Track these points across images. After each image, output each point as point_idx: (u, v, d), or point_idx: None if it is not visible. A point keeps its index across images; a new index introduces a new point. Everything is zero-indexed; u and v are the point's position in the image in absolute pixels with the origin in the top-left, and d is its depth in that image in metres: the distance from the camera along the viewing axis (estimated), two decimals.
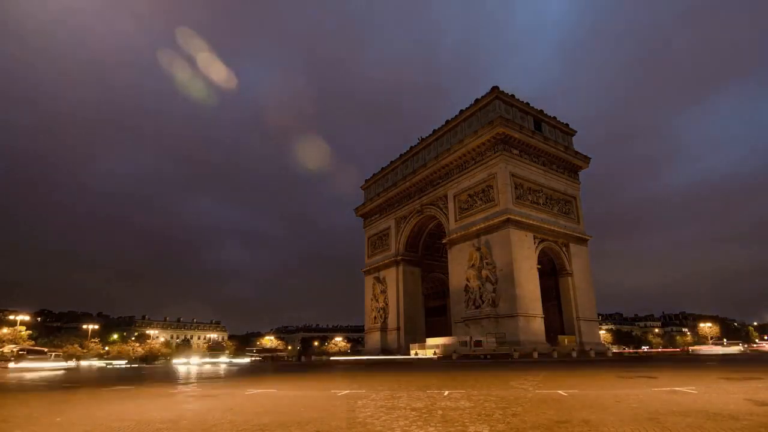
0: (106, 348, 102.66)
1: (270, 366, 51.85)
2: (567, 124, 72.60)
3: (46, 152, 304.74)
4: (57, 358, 51.87)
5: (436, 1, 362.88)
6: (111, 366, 65.78)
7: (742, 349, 74.86)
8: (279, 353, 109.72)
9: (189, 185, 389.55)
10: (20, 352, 53.80)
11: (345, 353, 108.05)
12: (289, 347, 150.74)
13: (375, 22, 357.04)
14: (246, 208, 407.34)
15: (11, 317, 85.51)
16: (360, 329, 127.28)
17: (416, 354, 61.89)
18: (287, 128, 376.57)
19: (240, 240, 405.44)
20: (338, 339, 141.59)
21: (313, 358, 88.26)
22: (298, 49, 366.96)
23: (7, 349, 62.45)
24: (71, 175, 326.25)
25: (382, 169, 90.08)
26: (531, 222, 60.29)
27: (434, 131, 75.31)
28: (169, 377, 28.62)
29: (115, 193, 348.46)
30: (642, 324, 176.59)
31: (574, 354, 53.53)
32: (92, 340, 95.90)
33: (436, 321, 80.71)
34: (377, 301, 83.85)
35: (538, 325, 56.77)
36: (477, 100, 66.67)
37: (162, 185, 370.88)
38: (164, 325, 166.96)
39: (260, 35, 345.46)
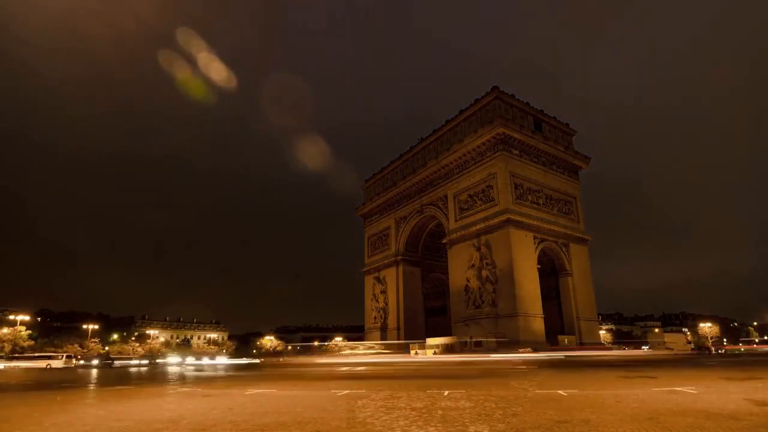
0: (106, 348, 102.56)
1: None
2: (567, 124, 72.61)
3: (46, 152, 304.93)
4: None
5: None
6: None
7: None
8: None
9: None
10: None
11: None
12: (289, 347, 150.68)
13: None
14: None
15: (11, 317, 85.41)
16: (360, 329, 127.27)
17: (416, 354, 61.82)
18: (290, 129, 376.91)
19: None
20: (338, 339, 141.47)
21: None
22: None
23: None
24: (72, 175, 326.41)
25: (383, 168, 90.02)
26: (531, 222, 60.29)
27: (434, 131, 75.28)
28: (168, 377, 28.59)
29: (117, 193, 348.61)
30: (642, 324, 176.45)
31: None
32: (92, 339, 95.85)
33: (436, 321, 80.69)
34: (377, 301, 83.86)
35: (538, 324, 56.78)
36: (477, 100, 66.65)
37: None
38: (164, 325, 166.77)
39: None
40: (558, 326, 62.65)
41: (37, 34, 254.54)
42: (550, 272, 65.07)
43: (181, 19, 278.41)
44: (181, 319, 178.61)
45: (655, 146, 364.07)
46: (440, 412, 9.33)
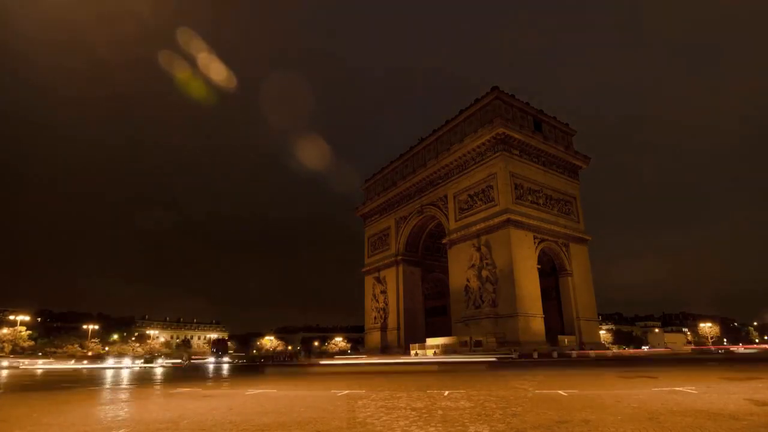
0: (106, 348, 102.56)
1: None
2: (567, 124, 72.57)
3: (45, 152, 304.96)
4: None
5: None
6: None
7: None
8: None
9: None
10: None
11: (344, 353, 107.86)
12: (290, 347, 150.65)
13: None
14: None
15: (11, 317, 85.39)
16: (360, 329, 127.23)
17: (416, 354, 61.82)
18: (289, 129, 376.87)
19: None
20: (338, 339, 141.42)
21: None
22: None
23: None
24: (71, 174, 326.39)
25: (383, 168, 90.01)
26: (531, 222, 60.27)
27: (434, 131, 75.27)
28: (168, 377, 28.58)
29: (116, 193, 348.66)
30: (642, 324, 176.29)
31: (574, 354, 53.53)
32: (92, 340, 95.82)
33: (436, 321, 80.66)
34: (377, 301, 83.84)
35: (538, 324, 56.75)
36: (477, 100, 66.64)
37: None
38: (164, 325, 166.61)
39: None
40: (558, 326, 62.62)
41: (35, 29, 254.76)
42: (550, 272, 65.04)
43: (181, 19, 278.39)
44: (181, 319, 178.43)
45: (654, 145, 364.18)
46: (440, 412, 9.33)
